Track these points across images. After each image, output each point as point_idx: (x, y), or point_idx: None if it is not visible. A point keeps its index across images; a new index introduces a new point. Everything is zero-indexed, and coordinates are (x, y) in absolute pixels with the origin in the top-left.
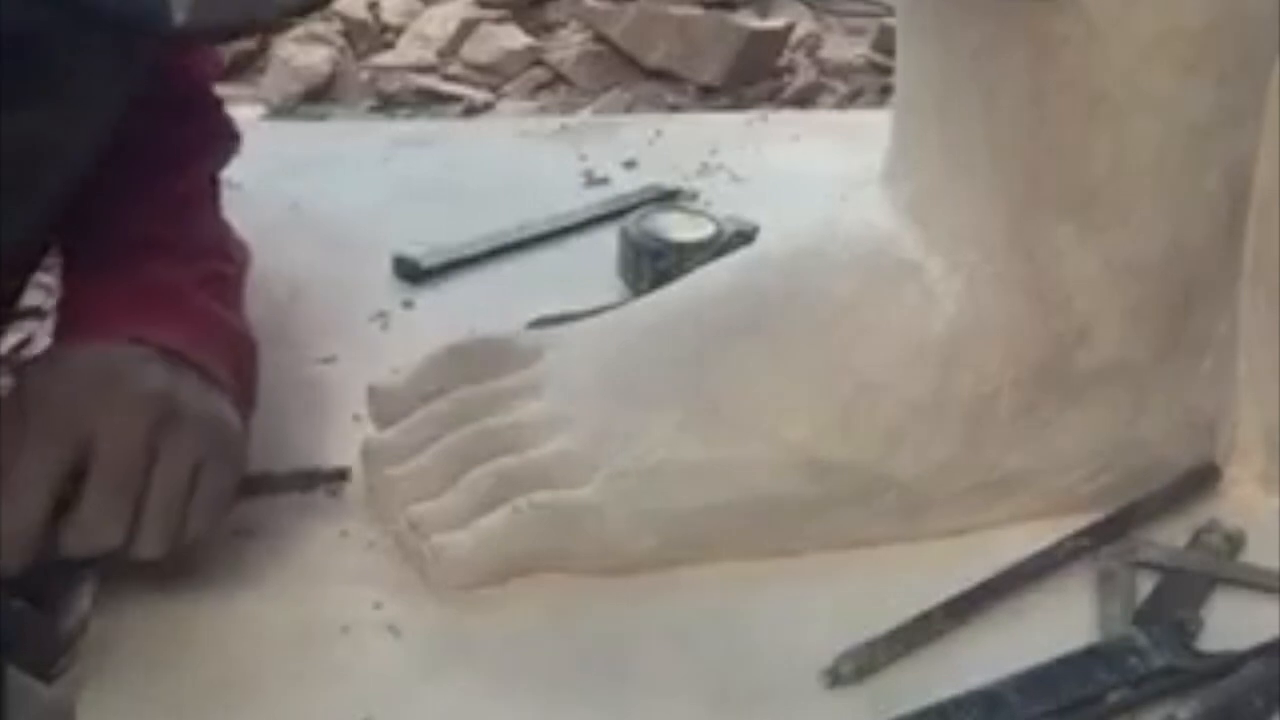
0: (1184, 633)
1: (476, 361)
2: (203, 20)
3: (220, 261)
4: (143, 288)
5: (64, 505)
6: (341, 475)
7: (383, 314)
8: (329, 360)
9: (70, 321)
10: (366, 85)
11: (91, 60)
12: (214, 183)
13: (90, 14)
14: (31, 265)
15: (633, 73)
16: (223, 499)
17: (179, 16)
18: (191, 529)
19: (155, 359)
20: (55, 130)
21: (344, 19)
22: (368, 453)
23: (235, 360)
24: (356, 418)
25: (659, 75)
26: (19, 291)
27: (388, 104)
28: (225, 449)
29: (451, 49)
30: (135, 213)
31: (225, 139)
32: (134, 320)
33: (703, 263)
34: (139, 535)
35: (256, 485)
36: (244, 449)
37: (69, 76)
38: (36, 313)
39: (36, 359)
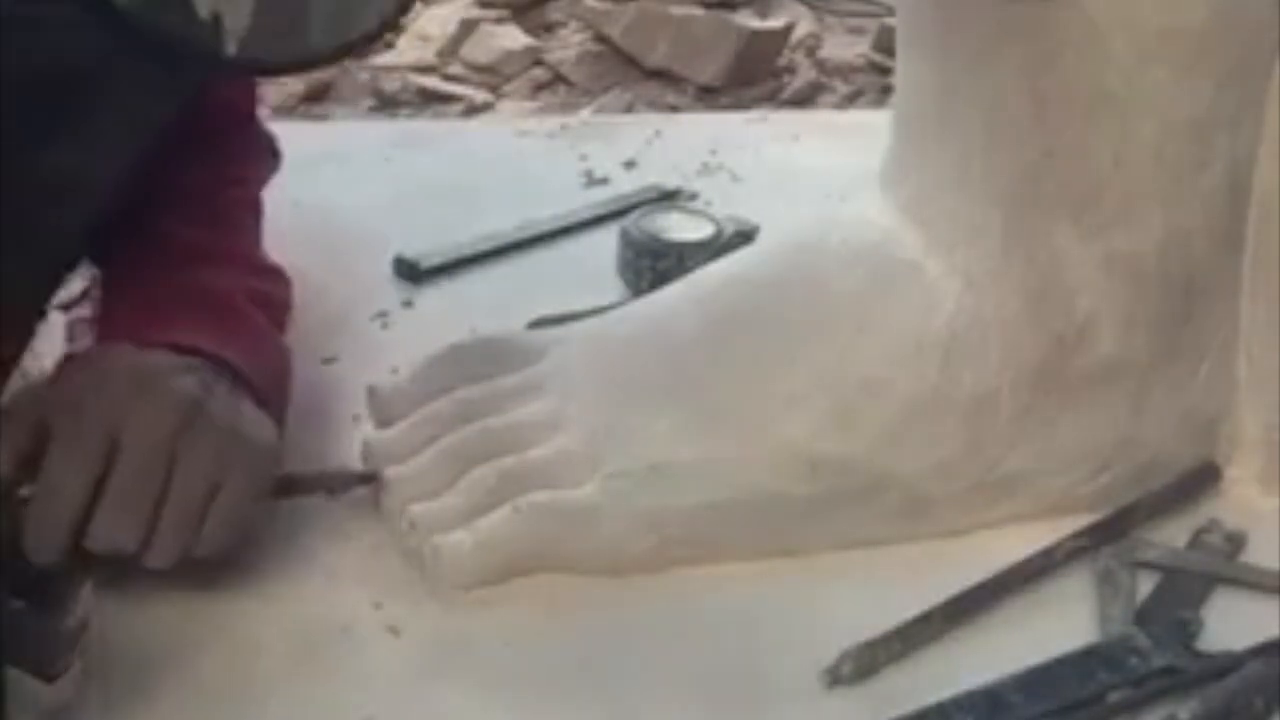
0: (1184, 633)
1: (477, 361)
2: (253, 54)
3: (265, 280)
4: (185, 292)
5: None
6: (371, 478)
7: (383, 314)
8: (329, 360)
9: (110, 323)
10: (366, 85)
11: (127, 95)
12: (257, 202)
13: (143, 42)
14: (52, 293)
15: (633, 73)
16: (241, 513)
17: (230, 49)
18: (206, 541)
19: (189, 367)
20: (87, 164)
21: None
22: (368, 453)
23: (276, 374)
24: (356, 418)
25: (659, 75)
26: (40, 314)
27: (388, 104)
28: (249, 462)
29: (451, 49)
30: (176, 221)
31: (267, 154)
32: (174, 324)
33: (703, 263)
34: (152, 542)
35: (285, 488)
36: (271, 463)
37: (104, 112)
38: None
39: (74, 358)
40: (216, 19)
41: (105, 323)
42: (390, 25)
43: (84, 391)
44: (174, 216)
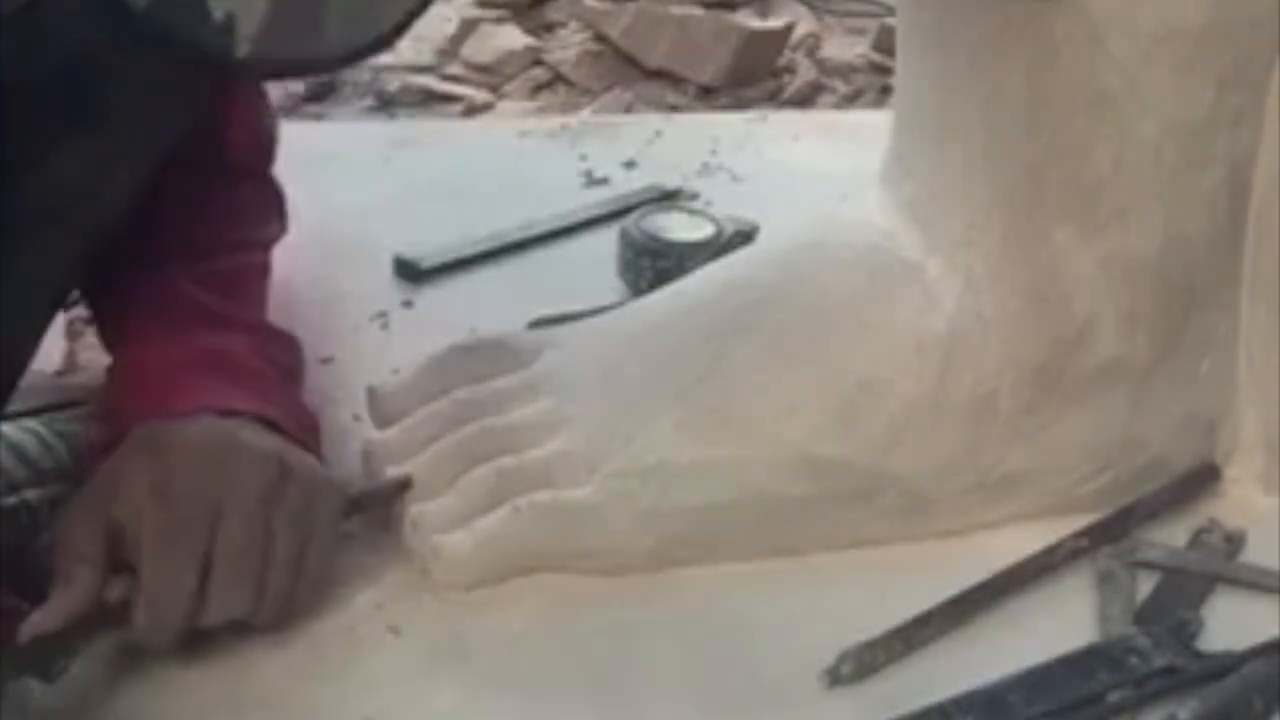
0: (1184, 633)
1: (477, 362)
2: (265, 55)
3: (279, 347)
4: (206, 357)
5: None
6: (406, 484)
7: (383, 314)
8: (329, 360)
9: (129, 388)
10: (366, 85)
11: (135, 110)
12: (267, 268)
13: (155, 39)
14: (55, 310)
15: (633, 73)
16: (331, 554)
17: (243, 49)
18: (306, 588)
19: (247, 426)
20: (96, 167)
21: None
22: (368, 453)
23: (309, 425)
24: (356, 418)
25: (659, 75)
26: (44, 328)
27: (388, 104)
28: (330, 503)
29: (451, 49)
30: (190, 283)
31: (277, 215)
32: (203, 390)
33: (703, 263)
34: (264, 602)
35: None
36: (342, 499)
37: (115, 113)
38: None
39: (101, 440)
40: (230, 20)
41: (116, 388)
42: (404, 29)
43: (166, 476)
44: (188, 277)
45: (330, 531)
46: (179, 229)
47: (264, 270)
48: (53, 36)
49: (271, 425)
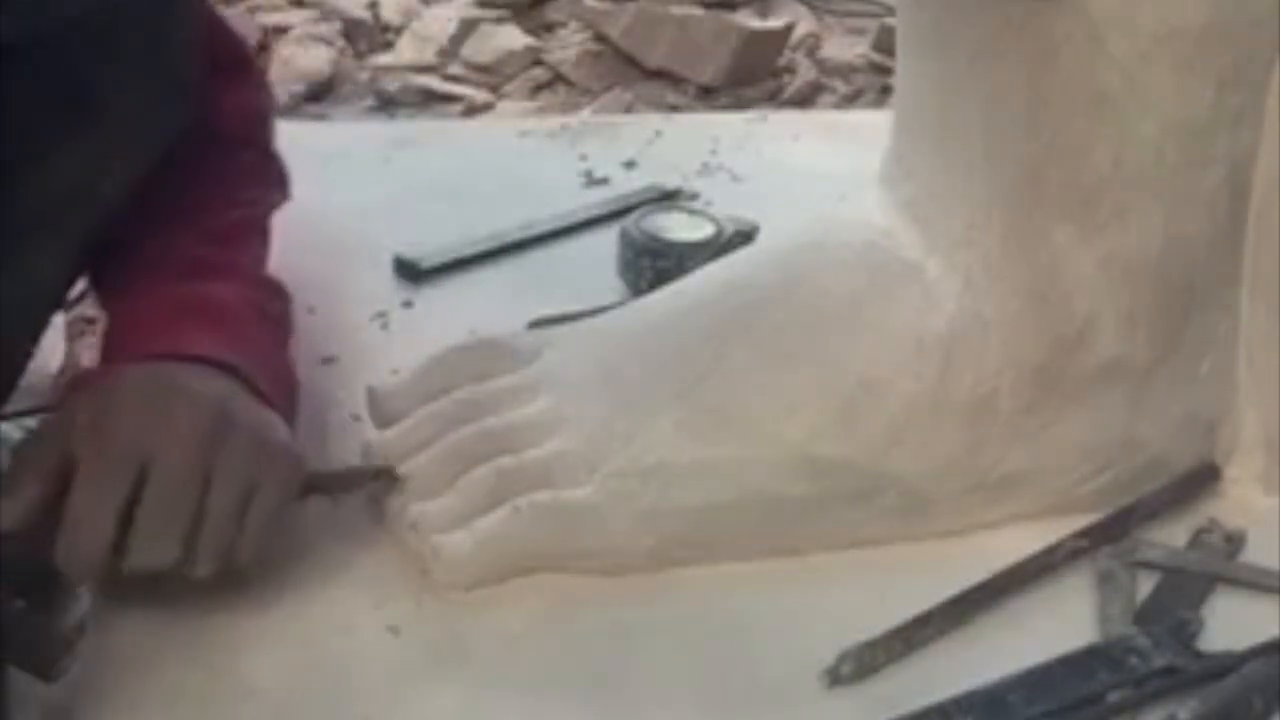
0: (1184, 633)
1: (476, 361)
2: None
3: (265, 293)
4: (186, 303)
5: (127, 521)
6: (389, 472)
7: (383, 314)
8: (329, 360)
9: (117, 338)
10: (366, 85)
11: (134, 95)
12: (263, 223)
13: None
14: (58, 302)
15: (633, 73)
16: (276, 515)
17: None
18: (246, 547)
19: (204, 374)
20: (95, 166)
21: (344, 19)
22: (368, 453)
23: (283, 380)
24: (356, 418)
25: (659, 75)
26: (43, 327)
27: (388, 104)
28: (280, 463)
29: (451, 49)
30: (178, 237)
31: (277, 182)
32: (178, 335)
33: (703, 263)
34: (194, 553)
35: (308, 488)
36: (299, 464)
37: (112, 111)
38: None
39: (86, 376)
40: None
41: (108, 340)
42: None
43: (102, 414)
44: (176, 233)
45: (278, 492)
46: (175, 195)
47: (261, 227)
48: (47, 31)
49: (233, 373)
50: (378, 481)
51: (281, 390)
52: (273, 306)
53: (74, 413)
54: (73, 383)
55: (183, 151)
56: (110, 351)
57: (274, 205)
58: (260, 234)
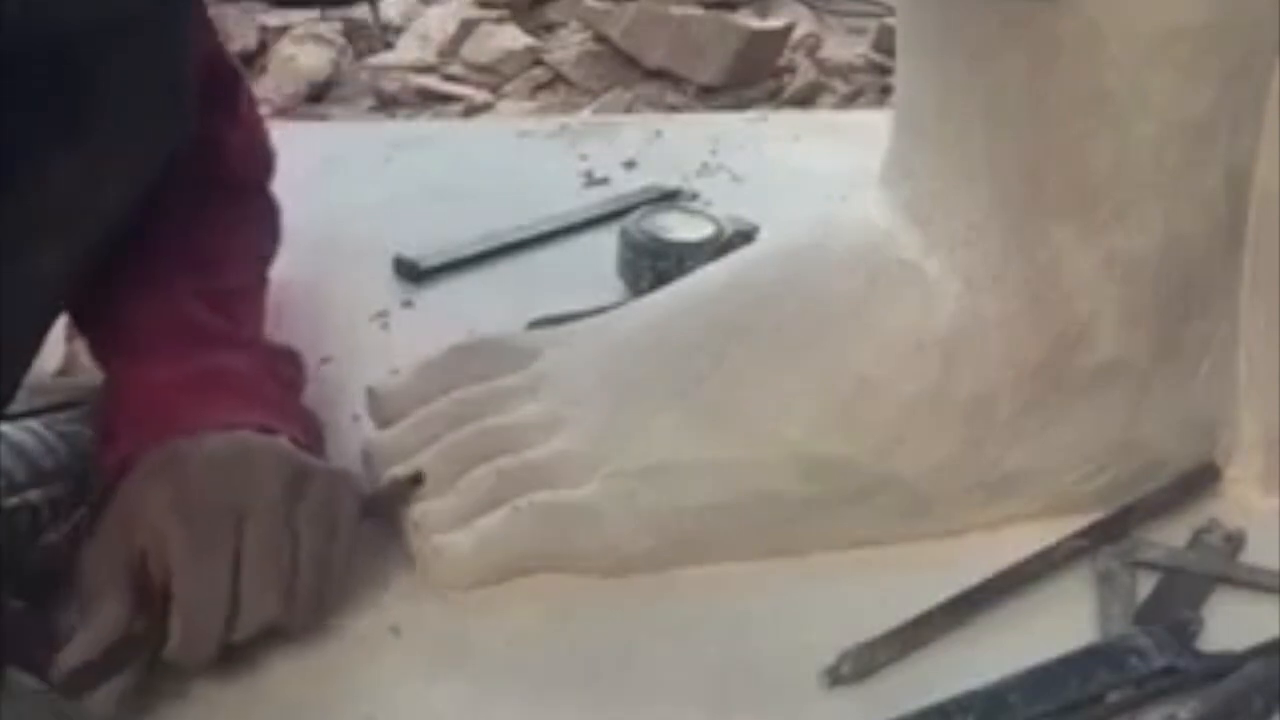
0: (1184, 633)
1: (476, 361)
2: None
3: (282, 363)
4: (210, 375)
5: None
6: (418, 479)
7: (383, 314)
8: (329, 360)
9: (135, 412)
10: (366, 85)
11: (133, 104)
12: (266, 283)
13: None
14: (57, 313)
15: (633, 73)
16: (352, 556)
17: None
18: (336, 587)
19: (255, 434)
20: (94, 172)
21: (344, 19)
22: (368, 453)
23: (316, 436)
24: (356, 418)
25: (659, 75)
26: (45, 333)
27: (388, 104)
28: (349, 501)
29: (451, 49)
30: (189, 298)
31: (274, 230)
32: (212, 407)
33: (703, 263)
34: (293, 604)
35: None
36: (359, 498)
37: (111, 120)
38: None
39: (114, 467)
40: None
41: (120, 410)
42: None
43: (182, 493)
44: (188, 293)
45: (352, 529)
46: (177, 242)
47: (262, 287)
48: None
49: (270, 432)
50: (415, 487)
51: (316, 442)
52: (285, 372)
53: (136, 507)
54: (99, 474)
55: (187, 195)
56: (126, 423)
57: (270, 256)
58: (261, 294)
